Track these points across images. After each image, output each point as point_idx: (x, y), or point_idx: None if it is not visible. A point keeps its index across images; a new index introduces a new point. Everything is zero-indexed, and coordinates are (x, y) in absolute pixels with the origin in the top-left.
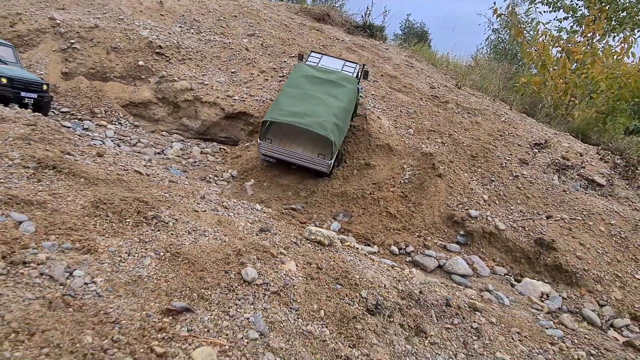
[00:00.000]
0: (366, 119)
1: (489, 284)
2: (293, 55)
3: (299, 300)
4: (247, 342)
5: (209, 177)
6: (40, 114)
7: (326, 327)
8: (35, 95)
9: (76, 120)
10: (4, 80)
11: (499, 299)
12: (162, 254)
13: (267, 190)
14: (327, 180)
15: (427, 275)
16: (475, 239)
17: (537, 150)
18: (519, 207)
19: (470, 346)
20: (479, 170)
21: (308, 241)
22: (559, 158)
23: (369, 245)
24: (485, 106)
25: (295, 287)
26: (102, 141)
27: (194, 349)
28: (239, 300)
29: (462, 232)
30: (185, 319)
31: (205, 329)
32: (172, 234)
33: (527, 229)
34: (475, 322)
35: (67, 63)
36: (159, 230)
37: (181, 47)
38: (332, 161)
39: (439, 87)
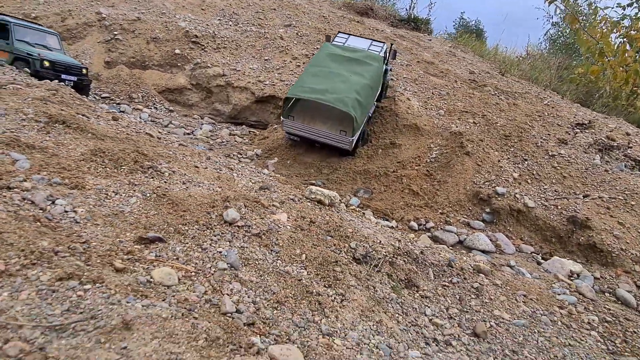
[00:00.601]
0: (395, 100)
1: (513, 260)
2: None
3: (281, 245)
4: (215, 271)
5: (233, 155)
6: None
7: (305, 269)
8: (74, 78)
9: (114, 104)
10: (47, 64)
11: (519, 274)
12: (148, 195)
13: (289, 167)
14: (351, 158)
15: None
16: (502, 217)
17: (578, 131)
18: (553, 186)
19: (466, 303)
20: (512, 149)
21: (308, 200)
22: (603, 138)
23: (387, 220)
24: (528, 90)
25: (280, 233)
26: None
27: (155, 269)
28: (215, 236)
29: (487, 210)
30: (157, 247)
31: (175, 257)
32: (165, 182)
33: (559, 207)
34: (477, 282)
35: (110, 53)
36: (152, 178)
37: (216, 37)
38: (354, 138)
39: (479, 73)
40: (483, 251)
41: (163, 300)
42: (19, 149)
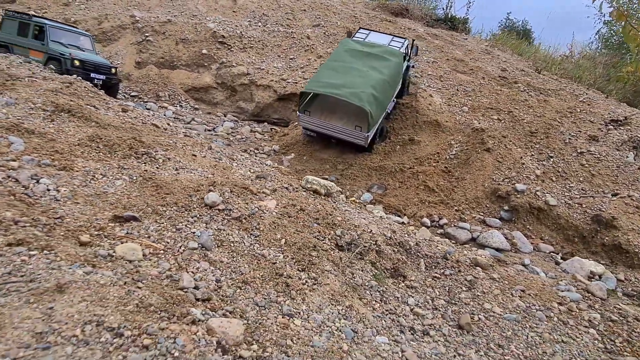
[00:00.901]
0: (416, 96)
1: (528, 259)
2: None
3: (261, 229)
4: (184, 250)
5: (250, 150)
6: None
7: (282, 253)
8: (103, 77)
9: (141, 102)
10: (77, 63)
11: (533, 273)
12: (135, 178)
13: (305, 163)
14: (367, 154)
15: (458, 247)
16: (521, 214)
17: (612, 127)
18: (580, 184)
19: (455, 295)
20: (537, 146)
21: (304, 189)
22: (639, 135)
23: (398, 215)
24: (563, 87)
25: (263, 218)
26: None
27: (120, 245)
28: (192, 218)
29: (506, 208)
30: (130, 226)
31: (147, 235)
32: (157, 167)
33: (584, 205)
34: (471, 275)
35: (141, 54)
36: (144, 163)
37: (243, 37)
38: (370, 134)
39: (513, 71)
40: (497, 249)
41: (112, 271)
42: (18, 133)
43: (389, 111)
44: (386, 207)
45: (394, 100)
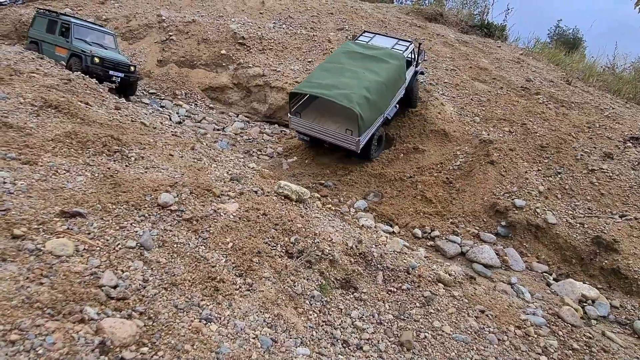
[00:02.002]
0: (426, 104)
1: (516, 277)
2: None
3: (211, 231)
4: (120, 248)
5: (252, 151)
6: (83, 75)
7: (226, 257)
8: (122, 75)
9: (158, 99)
10: (97, 60)
11: (519, 293)
12: (97, 175)
13: (305, 167)
14: (369, 161)
15: (445, 261)
16: (518, 231)
17: (630, 145)
18: (587, 203)
19: (406, 311)
20: (545, 160)
21: (275, 194)
22: None
23: (389, 225)
24: (590, 100)
25: (217, 221)
26: (169, 116)
27: (52, 240)
28: (140, 217)
29: (503, 223)
30: (74, 222)
31: (87, 232)
32: (126, 165)
33: (586, 226)
34: (430, 291)
35: (163, 52)
36: (114, 161)
37: (263, 39)
38: (362, 138)
39: (540, 82)
40: (485, 265)
41: (22, 264)
42: None
43: (388, 116)
44: (379, 215)
45: (395, 106)
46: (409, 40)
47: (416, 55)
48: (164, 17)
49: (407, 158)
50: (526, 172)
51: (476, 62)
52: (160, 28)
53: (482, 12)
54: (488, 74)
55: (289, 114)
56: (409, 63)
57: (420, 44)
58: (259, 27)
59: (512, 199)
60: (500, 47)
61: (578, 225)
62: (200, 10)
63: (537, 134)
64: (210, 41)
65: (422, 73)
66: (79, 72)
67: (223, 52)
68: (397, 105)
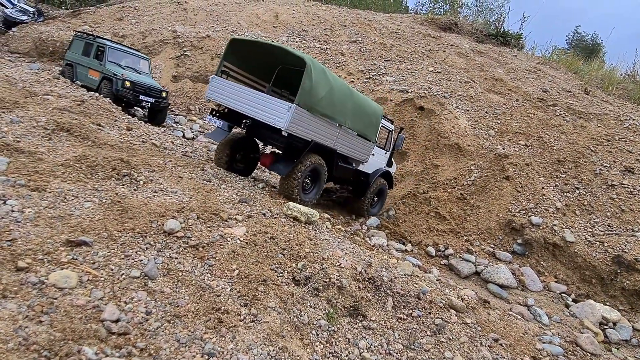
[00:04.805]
0: (439, 117)
1: (533, 299)
2: (388, 59)
3: (217, 258)
4: (124, 279)
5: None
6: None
7: (231, 285)
8: (152, 100)
9: (172, 115)
10: (128, 84)
11: (536, 315)
12: (104, 201)
13: None
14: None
15: (459, 282)
16: (535, 249)
17: None
18: (607, 220)
19: (416, 340)
20: (563, 175)
21: (284, 216)
22: None
23: (402, 243)
24: (609, 111)
25: (223, 247)
26: (183, 132)
27: (56, 272)
28: (146, 245)
29: (519, 241)
30: (79, 251)
31: (92, 261)
32: (135, 189)
33: (606, 244)
34: (441, 318)
35: (178, 68)
36: (123, 185)
37: None
38: (298, 113)
39: (557, 92)
40: (501, 286)
41: (23, 300)
42: (7, 152)
43: (336, 150)
44: (391, 233)
45: (353, 165)
46: (391, 119)
47: (392, 142)
48: (178, 33)
49: (420, 173)
50: (543, 187)
51: (491, 72)
52: (175, 44)
53: (498, 21)
54: (503, 85)
55: (214, 75)
56: (380, 147)
57: (402, 128)
58: (273, 41)
59: (529, 216)
60: (516, 56)
61: (597, 243)
62: (215, 25)
63: (554, 148)
64: None
65: (390, 181)
66: (108, 96)
67: None
68: (354, 165)
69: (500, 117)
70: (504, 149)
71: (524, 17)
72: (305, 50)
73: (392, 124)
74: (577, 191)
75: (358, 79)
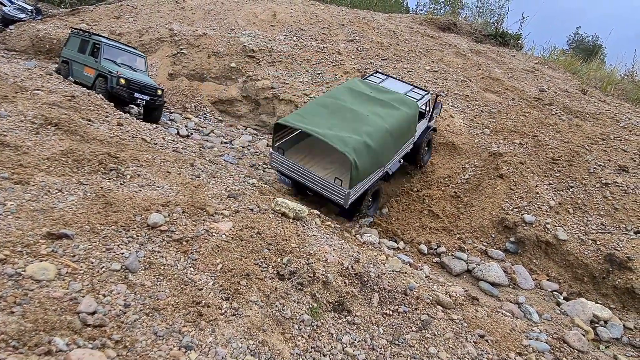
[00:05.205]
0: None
1: (524, 296)
2: (385, 58)
3: (201, 252)
4: (104, 272)
5: (258, 165)
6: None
7: (214, 279)
8: (147, 98)
9: (167, 113)
10: (122, 81)
11: (526, 313)
12: (89, 194)
13: None
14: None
15: (449, 280)
16: (528, 248)
17: None
18: (600, 218)
19: (401, 336)
20: (557, 174)
21: (272, 212)
22: None
23: (394, 240)
24: (605, 110)
25: (207, 241)
26: (177, 129)
27: (33, 263)
28: (128, 238)
29: (512, 239)
30: (60, 243)
31: (72, 254)
32: (120, 183)
33: (598, 242)
34: (427, 314)
35: (174, 66)
36: (109, 179)
37: (273, 51)
38: (352, 191)
39: (554, 92)
40: (492, 284)
41: None
42: None
43: (389, 171)
44: (384, 230)
45: (400, 161)
46: (426, 89)
47: (431, 108)
48: (175, 31)
49: (415, 172)
50: (536, 186)
51: (488, 72)
52: (172, 42)
53: (497, 21)
54: (500, 85)
55: (270, 149)
56: (421, 115)
57: (437, 95)
58: (270, 40)
59: (522, 214)
60: (514, 56)
61: (590, 241)
62: (212, 24)
63: (549, 147)
64: (221, 54)
65: (434, 130)
66: (103, 93)
67: (233, 65)
68: (402, 161)
69: (495, 115)
70: (498, 147)
71: (523, 18)
72: (302, 49)
73: (426, 95)
74: (571, 189)
75: (354, 76)
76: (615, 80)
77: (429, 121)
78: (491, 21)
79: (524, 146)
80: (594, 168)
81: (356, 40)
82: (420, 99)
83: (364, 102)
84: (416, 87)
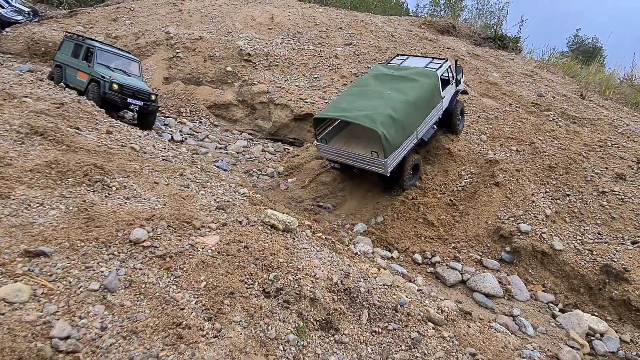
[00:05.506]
0: None
1: (519, 309)
2: (382, 62)
3: (185, 269)
4: (82, 292)
5: (252, 171)
6: (82, 97)
7: (197, 297)
8: (140, 103)
9: (161, 117)
10: (115, 86)
11: (521, 326)
12: (71, 208)
13: (307, 187)
14: (370, 182)
15: (444, 289)
16: (523, 257)
17: None
18: (597, 228)
19: (390, 355)
20: (554, 182)
21: (261, 224)
22: None
23: (388, 250)
24: (603, 116)
25: (192, 257)
26: (171, 134)
27: (7, 284)
28: (109, 255)
29: (508, 249)
30: (37, 262)
31: (49, 273)
32: (104, 196)
33: (595, 252)
34: (418, 332)
35: (170, 70)
36: (93, 192)
37: (269, 55)
38: (388, 160)
39: (552, 96)
40: (487, 295)
41: None
42: None
43: (424, 138)
44: (378, 239)
45: (433, 127)
46: (444, 58)
47: (454, 73)
48: (171, 34)
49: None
50: (533, 194)
51: (486, 76)
52: (168, 45)
53: (497, 24)
54: (498, 89)
55: (315, 142)
56: (445, 82)
57: (456, 61)
58: (267, 43)
59: (517, 223)
60: (513, 59)
61: (586, 251)
62: (209, 27)
63: (546, 154)
64: (217, 58)
65: (464, 92)
66: (95, 98)
67: (229, 69)
68: (435, 127)
69: (492, 121)
70: (495, 154)
71: (522, 21)
72: (299, 52)
73: (445, 63)
74: (568, 198)
75: (351, 81)
76: (614, 84)
77: (457, 85)
78: (491, 23)
79: (521, 153)
80: (591, 176)
81: (354, 43)
82: (439, 68)
83: (385, 82)
84: (435, 58)
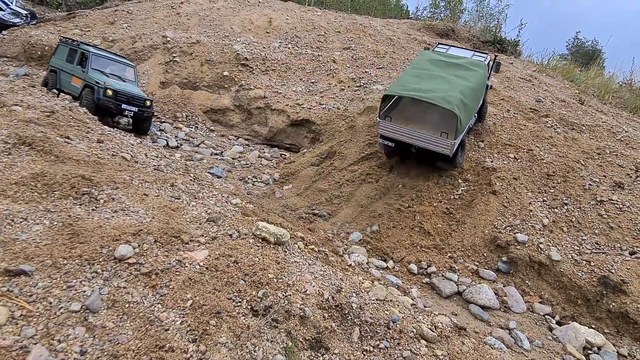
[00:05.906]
0: None
1: (515, 321)
2: (381, 67)
3: (172, 286)
4: (62, 313)
5: (247, 178)
6: (75, 104)
7: (183, 317)
8: (135, 109)
9: (157, 122)
10: (110, 92)
11: (517, 340)
12: (55, 223)
13: (302, 194)
14: (367, 187)
15: (440, 301)
16: (520, 268)
17: None
18: (595, 237)
19: None
20: (551, 191)
21: (252, 237)
22: None
23: (384, 260)
24: (602, 122)
25: (179, 273)
26: (167, 140)
27: None
28: (92, 274)
29: (504, 259)
30: (17, 281)
31: (29, 293)
32: (92, 209)
33: (592, 264)
34: (410, 350)
35: (166, 74)
36: (80, 205)
37: (267, 60)
38: (457, 141)
39: (552, 102)
40: (483, 307)
41: None
42: None
43: (470, 125)
44: (373, 249)
45: (475, 116)
46: (485, 52)
47: (490, 69)
48: (168, 38)
49: (408, 186)
50: (530, 203)
51: None
52: (165, 49)
53: (496, 27)
54: (496, 95)
55: (377, 118)
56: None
57: (496, 56)
58: (264, 47)
59: (514, 233)
60: (512, 63)
61: (584, 262)
62: (207, 30)
63: (544, 161)
64: (214, 62)
65: (490, 87)
66: (89, 105)
67: (225, 73)
68: (476, 116)
69: (490, 128)
70: (492, 161)
71: (522, 24)
72: (296, 57)
73: (487, 57)
74: (565, 207)
75: (349, 86)
76: (613, 88)
77: (487, 79)
78: (491, 25)
79: (519, 160)
80: (589, 184)
81: (352, 47)
82: (485, 60)
83: (445, 68)
84: (477, 51)
